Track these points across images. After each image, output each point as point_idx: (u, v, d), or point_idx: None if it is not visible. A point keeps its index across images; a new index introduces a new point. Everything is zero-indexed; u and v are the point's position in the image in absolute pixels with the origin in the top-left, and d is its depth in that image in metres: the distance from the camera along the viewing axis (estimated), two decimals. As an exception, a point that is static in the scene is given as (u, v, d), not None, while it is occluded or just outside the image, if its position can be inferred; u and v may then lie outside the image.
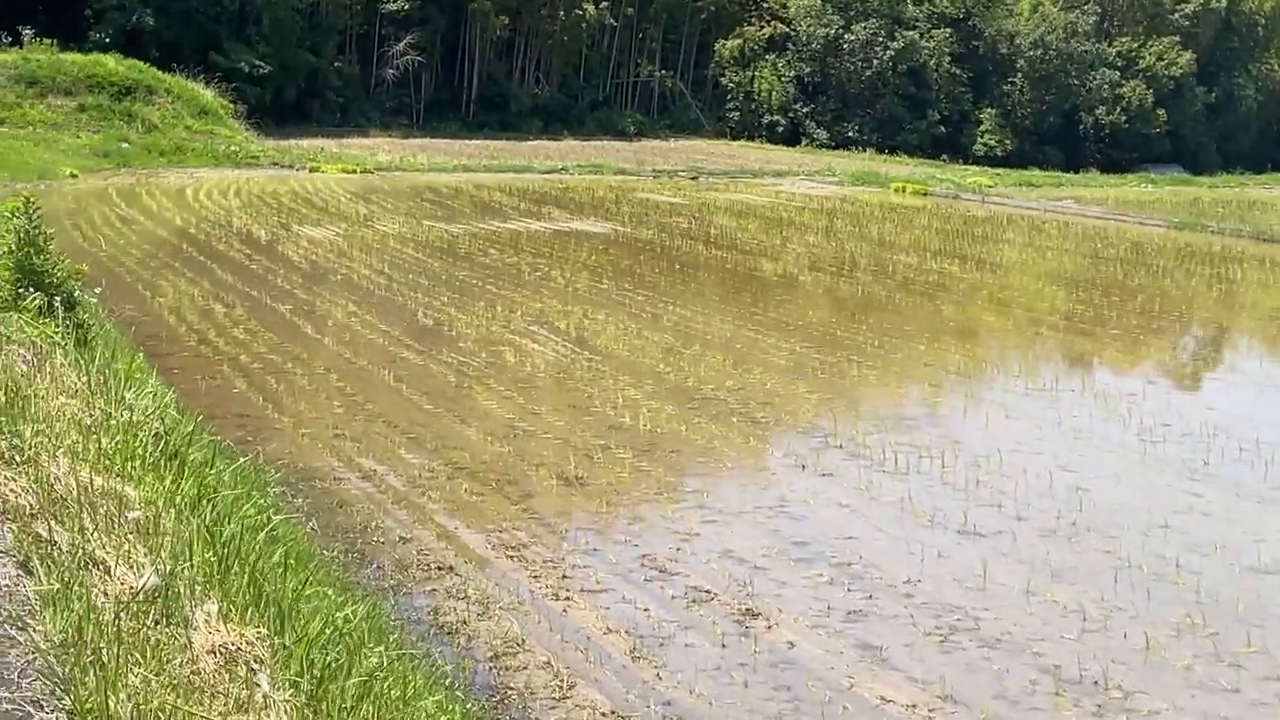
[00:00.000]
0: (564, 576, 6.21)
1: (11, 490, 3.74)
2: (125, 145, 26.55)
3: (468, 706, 4.36)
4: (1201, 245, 25.92)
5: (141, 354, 7.44)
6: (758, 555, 6.72)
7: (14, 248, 7.14)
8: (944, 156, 37.47)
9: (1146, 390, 11.53)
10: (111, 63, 30.40)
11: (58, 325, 6.85)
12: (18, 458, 4.14)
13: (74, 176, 22.75)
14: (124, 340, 8.31)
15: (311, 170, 28.05)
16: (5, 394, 4.76)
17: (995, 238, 26.11)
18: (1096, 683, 5.10)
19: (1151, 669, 5.42)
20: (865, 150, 37.13)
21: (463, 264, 17.26)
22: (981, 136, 37.70)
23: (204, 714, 2.51)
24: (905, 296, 17.45)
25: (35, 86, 28.45)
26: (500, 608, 5.81)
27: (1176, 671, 5.32)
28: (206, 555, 3.90)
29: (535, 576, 6.16)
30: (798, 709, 5.02)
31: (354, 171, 28.26)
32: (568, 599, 5.95)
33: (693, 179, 32.08)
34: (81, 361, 6.47)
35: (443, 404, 9.50)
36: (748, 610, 5.90)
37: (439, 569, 6.37)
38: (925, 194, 32.70)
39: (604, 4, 35.07)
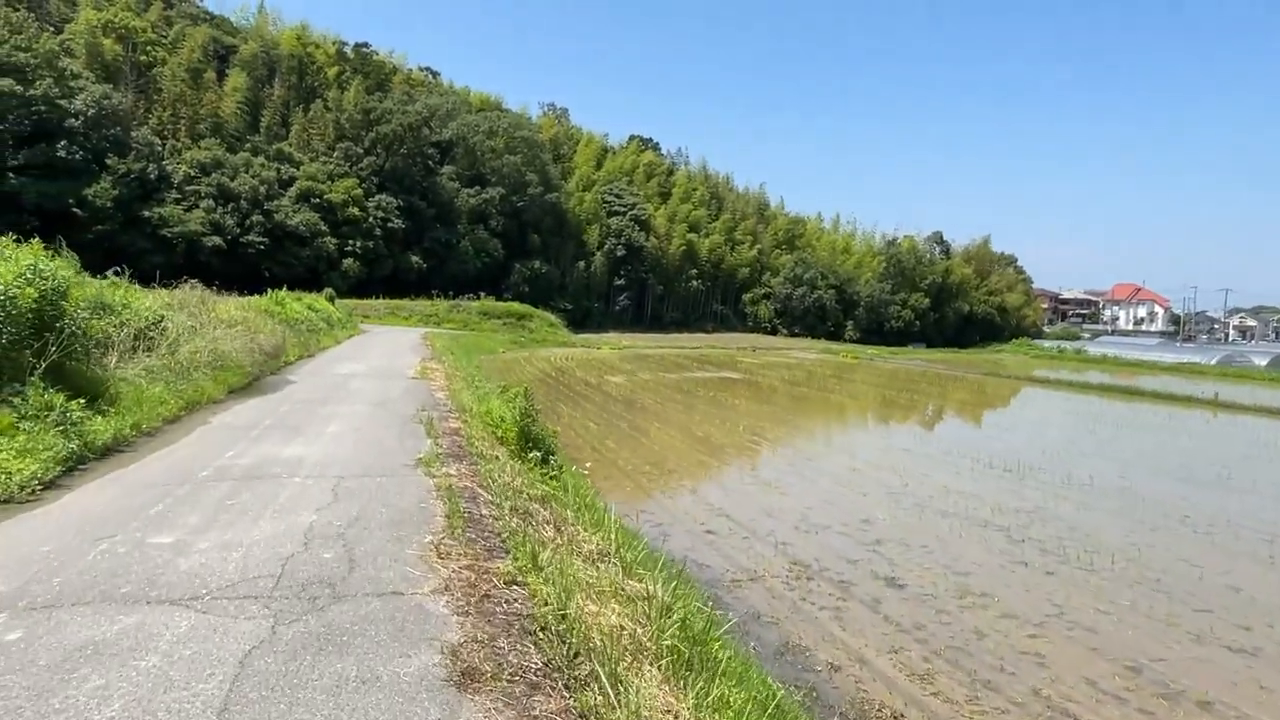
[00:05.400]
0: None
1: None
2: (524, 338, 41.38)
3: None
4: (943, 372, 36.88)
5: (602, 503, 8.24)
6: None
7: (519, 418, 8.71)
8: (834, 338, 64.39)
9: (936, 429, 15.60)
10: (516, 305, 47.45)
11: (552, 474, 7.96)
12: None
13: (504, 351, 34.39)
14: (584, 480, 9.17)
15: (597, 348, 42.99)
16: (553, 616, 3.90)
17: (863, 371, 35.91)
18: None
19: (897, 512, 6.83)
20: (805, 338, 63.73)
21: (681, 390, 24.31)
22: (848, 331, 67.16)
23: None
24: (820, 393, 24.33)
25: (486, 315, 44.49)
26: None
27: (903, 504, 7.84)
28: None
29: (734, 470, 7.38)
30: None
31: (615, 348, 43.42)
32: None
33: (752, 350, 49.91)
34: (582, 517, 6.56)
35: (676, 445, 12.91)
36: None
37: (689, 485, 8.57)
38: (856, 357, 48.40)
39: (698, 282, 65.86)
